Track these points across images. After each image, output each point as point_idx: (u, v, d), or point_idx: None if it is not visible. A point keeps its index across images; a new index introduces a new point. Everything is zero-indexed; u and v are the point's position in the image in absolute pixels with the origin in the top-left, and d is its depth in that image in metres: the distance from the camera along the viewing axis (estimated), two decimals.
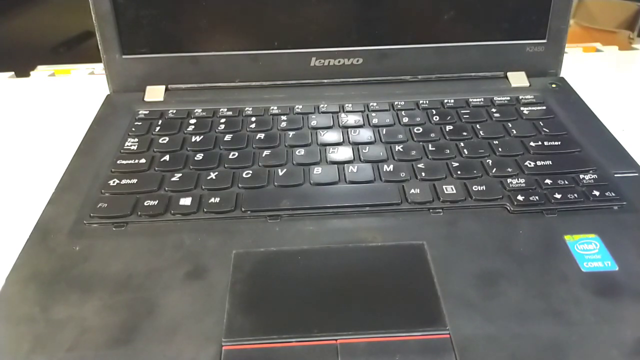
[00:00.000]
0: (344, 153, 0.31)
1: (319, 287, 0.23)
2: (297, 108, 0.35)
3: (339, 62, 0.38)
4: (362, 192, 0.28)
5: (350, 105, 0.36)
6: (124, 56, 0.36)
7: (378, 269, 0.24)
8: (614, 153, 0.30)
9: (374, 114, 0.35)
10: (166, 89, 0.38)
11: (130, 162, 0.31)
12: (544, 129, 0.32)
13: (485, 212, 0.27)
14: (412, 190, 0.28)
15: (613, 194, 0.27)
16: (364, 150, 0.31)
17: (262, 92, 0.37)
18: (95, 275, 0.23)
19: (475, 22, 0.38)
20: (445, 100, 0.36)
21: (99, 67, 0.51)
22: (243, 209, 0.27)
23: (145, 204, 0.27)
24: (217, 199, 0.28)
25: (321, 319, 0.21)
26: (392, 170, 0.29)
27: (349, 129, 0.33)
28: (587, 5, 0.91)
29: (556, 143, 0.31)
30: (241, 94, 0.37)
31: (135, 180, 0.29)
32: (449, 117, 0.34)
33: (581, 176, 0.28)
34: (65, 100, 0.44)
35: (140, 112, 0.35)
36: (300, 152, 0.31)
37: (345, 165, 0.30)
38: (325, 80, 0.38)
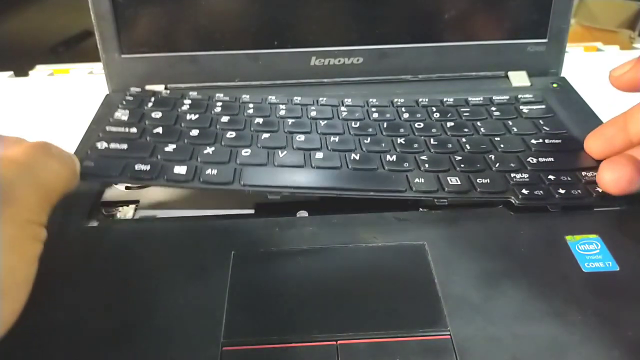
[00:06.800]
0: (345, 142, 0.30)
1: (318, 288, 0.22)
2: (297, 99, 0.35)
3: (339, 61, 0.38)
4: (366, 177, 0.28)
5: (349, 99, 0.35)
6: (123, 55, 0.36)
7: (378, 269, 0.23)
8: None
9: (374, 109, 0.34)
10: (165, 89, 0.37)
11: (120, 129, 0.29)
12: (544, 127, 0.32)
13: (486, 212, 0.27)
14: (417, 180, 0.27)
15: None
16: (365, 141, 0.31)
17: (262, 92, 0.37)
18: (90, 273, 0.23)
19: (476, 21, 0.38)
20: (445, 99, 0.36)
21: (98, 67, 0.51)
22: (243, 183, 0.26)
23: (136, 167, 0.26)
24: (215, 171, 0.27)
25: (321, 320, 0.21)
26: (395, 160, 0.29)
27: (349, 121, 0.33)
28: (588, 4, 0.91)
29: (557, 141, 0.31)
30: (241, 93, 0.37)
31: (125, 146, 0.28)
32: (449, 114, 0.34)
33: (583, 173, 0.28)
34: (65, 99, 0.43)
35: (131, 89, 0.34)
36: (300, 137, 0.31)
37: (347, 153, 0.29)
38: (326, 80, 0.38)
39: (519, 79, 0.38)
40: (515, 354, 0.20)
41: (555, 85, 0.38)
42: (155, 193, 0.30)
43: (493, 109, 0.34)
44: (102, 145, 0.28)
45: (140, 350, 0.20)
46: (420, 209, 0.28)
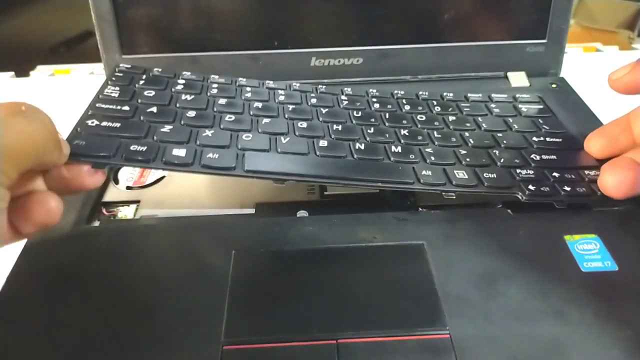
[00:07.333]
0: (349, 131, 0.30)
1: (318, 288, 0.23)
2: (295, 85, 0.34)
3: (339, 62, 0.38)
4: (373, 167, 0.27)
5: (349, 89, 0.35)
6: (123, 56, 0.36)
7: (378, 269, 0.24)
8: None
9: (374, 100, 0.34)
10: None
11: (111, 107, 0.27)
12: (544, 126, 0.32)
13: (485, 212, 0.27)
14: (424, 172, 0.27)
15: None
16: (369, 131, 0.30)
17: None
18: (91, 273, 0.23)
19: (476, 22, 0.38)
20: (445, 93, 0.35)
21: (98, 67, 0.51)
22: (246, 169, 0.25)
23: (131, 148, 0.24)
24: (216, 155, 0.25)
25: (321, 319, 0.21)
26: (400, 151, 0.28)
27: (351, 110, 0.32)
28: (588, 5, 0.91)
29: (558, 140, 0.31)
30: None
31: (118, 125, 0.26)
32: (450, 109, 0.33)
33: (586, 172, 0.28)
34: (65, 100, 0.44)
35: (120, 65, 0.32)
36: (303, 124, 0.30)
37: (352, 142, 0.29)
38: (325, 80, 0.38)
39: (518, 79, 0.38)
40: (514, 354, 0.20)
41: (554, 85, 0.38)
42: (155, 193, 0.30)
43: (492, 105, 0.34)
44: (92, 122, 0.25)
45: (141, 349, 0.20)
46: (420, 209, 0.28)
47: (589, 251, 0.24)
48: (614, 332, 0.21)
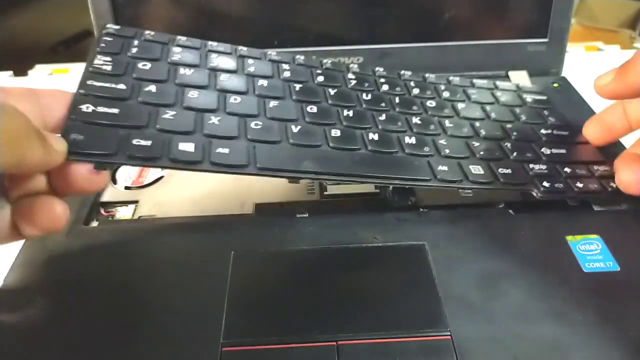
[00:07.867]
0: (360, 118, 0.28)
1: (318, 288, 0.22)
2: (300, 59, 0.32)
3: (340, 60, 0.38)
4: (388, 161, 0.26)
5: (355, 65, 0.33)
6: None
7: (378, 269, 0.23)
8: (616, 152, 0.30)
9: (382, 80, 0.32)
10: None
11: (105, 85, 0.24)
12: (549, 118, 0.32)
13: (486, 212, 0.27)
14: (440, 167, 0.26)
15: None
16: (380, 118, 0.28)
17: None
18: (90, 274, 0.23)
19: (477, 20, 0.38)
20: (451, 78, 0.34)
21: None
22: (259, 166, 0.23)
23: (134, 142, 0.21)
24: (226, 150, 0.23)
25: (321, 321, 0.21)
26: (415, 142, 0.27)
27: (360, 92, 0.30)
28: (589, 4, 0.91)
29: (564, 133, 0.30)
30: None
31: (116, 110, 0.22)
32: (458, 95, 0.33)
33: (595, 167, 0.28)
34: None
35: (108, 27, 0.28)
36: (312, 108, 0.27)
37: (364, 130, 0.27)
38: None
39: (519, 78, 0.38)
40: (515, 355, 0.20)
41: (555, 84, 0.38)
42: (154, 193, 0.30)
43: (498, 93, 0.34)
44: (87, 107, 0.22)
45: (140, 350, 0.20)
46: (421, 209, 0.28)
47: (591, 252, 0.24)
48: (616, 333, 0.21)
